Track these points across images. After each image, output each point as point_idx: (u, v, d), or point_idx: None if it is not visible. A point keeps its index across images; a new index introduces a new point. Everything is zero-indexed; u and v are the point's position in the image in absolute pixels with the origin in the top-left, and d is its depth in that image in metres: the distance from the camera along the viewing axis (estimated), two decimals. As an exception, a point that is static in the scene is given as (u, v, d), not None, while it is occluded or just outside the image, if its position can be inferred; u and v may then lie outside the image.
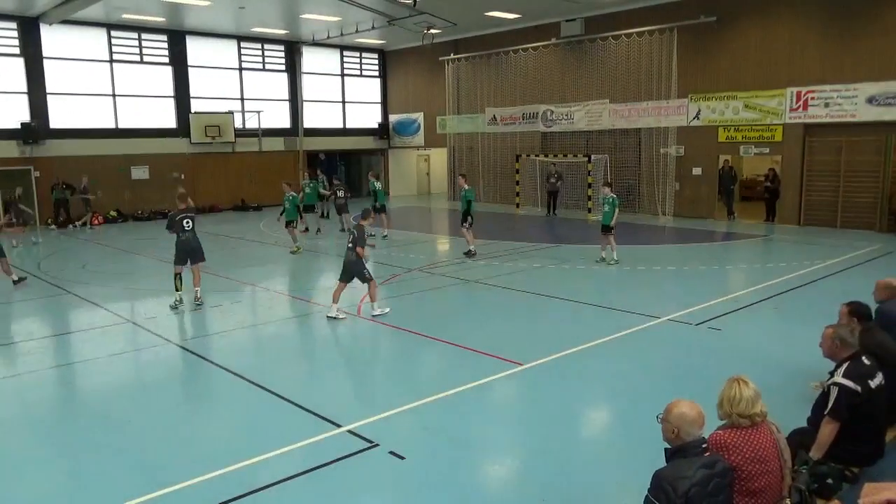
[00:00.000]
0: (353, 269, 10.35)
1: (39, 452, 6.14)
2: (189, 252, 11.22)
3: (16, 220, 19.58)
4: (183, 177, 25.92)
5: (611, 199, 14.13)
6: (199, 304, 11.20)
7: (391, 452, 5.77)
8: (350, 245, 10.36)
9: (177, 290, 11.14)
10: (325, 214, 23.72)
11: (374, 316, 10.32)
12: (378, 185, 20.01)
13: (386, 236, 18.55)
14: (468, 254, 15.46)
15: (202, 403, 7.52)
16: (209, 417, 7.08)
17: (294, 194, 17.28)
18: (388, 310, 10.54)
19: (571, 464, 5.70)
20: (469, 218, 15.54)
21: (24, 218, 20.58)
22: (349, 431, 6.19)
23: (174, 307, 11.02)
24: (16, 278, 13.25)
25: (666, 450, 3.59)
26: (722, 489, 3.41)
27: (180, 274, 11.21)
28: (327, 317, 10.31)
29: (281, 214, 17.26)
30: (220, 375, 8.09)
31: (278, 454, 5.80)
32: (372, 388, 7.61)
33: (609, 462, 5.79)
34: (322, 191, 22.18)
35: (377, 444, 5.91)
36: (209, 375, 8.22)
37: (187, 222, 11.22)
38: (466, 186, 16.06)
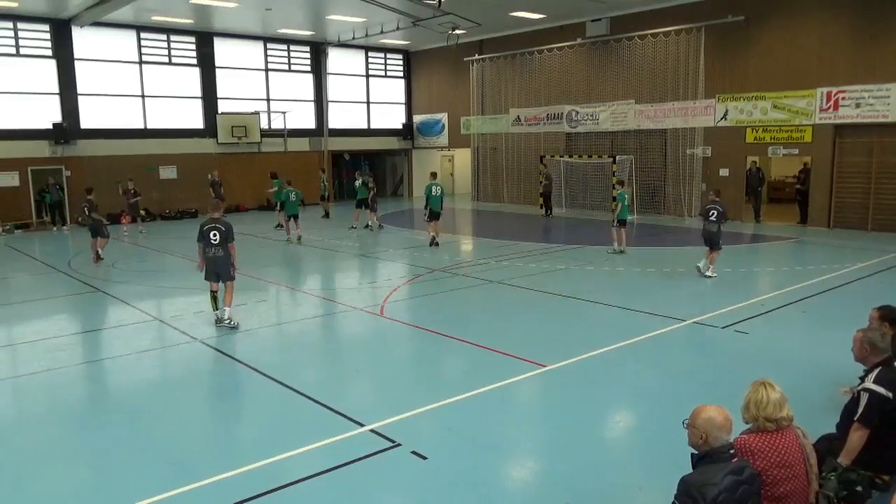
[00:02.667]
0: (714, 239, 12.72)
1: (69, 446, 6.25)
2: (216, 269, 9.90)
3: (132, 210, 21.19)
4: (210, 177, 26.23)
5: (623, 195, 15.72)
6: (230, 326, 9.86)
7: (413, 452, 5.77)
8: (713, 219, 12.66)
9: (214, 309, 10.08)
10: (326, 214, 24.45)
11: (707, 276, 12.60)
12: (359, 183, 21.72)
13: (368, 227, 21.00)
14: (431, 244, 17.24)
15: (227, 400, 7.59)
16: (234, 414, 7.15)
17: (298, 191, 19.06)
18: (716, 274, 12.61)
19: (595, 466, 5.67)
20: (426, 211, 17.57)
21: (136, 209, 21.55)
22: (372, 431, 6.21)
23: (218, 326, 9.95)
24: (100, 251, 15.58)
25: (693, 455, 3.55)
26: (750, 496, 3.36)
27: (215, 293, 10.04)
28: (705, 274, 12.66)
29: (289, 217, 18.91)
30: (246, 373, 8.16)
31: (301, 452, 5.84)
32: (395, 388, 7.63)
33: (632, 465, 5.74)
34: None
35: (399, 444, 5.92)
36: (235, 373, 8.30)
37: (214, 235, 9.77)
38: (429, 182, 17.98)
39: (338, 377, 8.22)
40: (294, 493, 5.21)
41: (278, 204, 21.55)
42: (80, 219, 15.30)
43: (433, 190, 17.51)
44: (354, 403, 7.02)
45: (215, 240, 9.80)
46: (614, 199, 15.79)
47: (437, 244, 17.15)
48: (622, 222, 15.43)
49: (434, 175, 18.55)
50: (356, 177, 21.86)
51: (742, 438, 3.72)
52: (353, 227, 20.98)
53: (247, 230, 20.92)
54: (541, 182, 24.66)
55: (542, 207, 24.68)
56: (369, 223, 21.15)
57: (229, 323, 9.91)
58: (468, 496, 5.14)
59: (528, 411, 7.04)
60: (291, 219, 18.68)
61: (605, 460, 5.86)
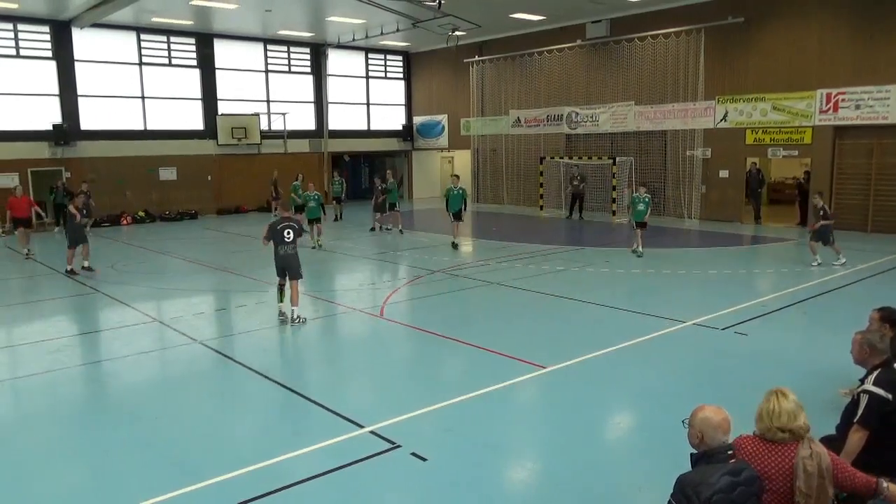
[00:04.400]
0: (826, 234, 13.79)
1: (69, 446, 6.26)
2: (286, 266, 10.18)
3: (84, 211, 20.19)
4: (210, 178, 26.30)
5: (647, 199, 15.93)
6: (295, 324, 10.07)
7: (413, 454, 5.77)
8: (822, 214, 13.75)
9: (279, 301, 10.41)
10: (339, 216, 24.30)
11: (835, 264, 13.55)
12: (391, 182, 21.21)
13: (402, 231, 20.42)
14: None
15: (227, 402, 7.58)
16: (234, 416, 7.14)
17: (318, 193, 18.41)
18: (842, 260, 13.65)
19: (595, 467, 5.67)
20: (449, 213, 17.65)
21: (90, 211, 20.87)
22: (371, 432, 6.21)
23: (281, 321, 10.22)
24: (86, 264, 14.74)
25: (692, 455, 3.55)
26: (749, 497, 3.34)
27: (283, 286, 10.28)
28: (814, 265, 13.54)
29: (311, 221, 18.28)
30: (246, 374, 8.16)
31: (301, 454, 5.84)
32: (394, 390, 7.63)
33: (632, 466, 5.74)
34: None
35: (399, 446, 5.92)
36: (234, 374, 8.29)
37: (288, 233, 10.04)
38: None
39: (337, 378, 8.22)
40: (294, 494, 5.21)
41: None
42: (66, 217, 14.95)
43: (452, 191, 17.58)
44: (354, 405, 7.02)
45: (289, 238, 10.05)
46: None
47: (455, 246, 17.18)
48: (637, 224, 15.86)
49: (456, 178, 18.51)
50: (388, 176, 21.47)
51: (739, 438, 3.67)
52: (400, 230, 20.40)
53: (248, 231, 20.92)
54: (572, 183, 23.81)
55: (540, 208, 24.68)
56: (377, 223, 21.10)
57: (299, 320, 10.10)
58: (468, 497, 5.14)
59: (528, 412, 7.04)
60: (313, 223, 17.80)
61: (605, 461, 5.86)
